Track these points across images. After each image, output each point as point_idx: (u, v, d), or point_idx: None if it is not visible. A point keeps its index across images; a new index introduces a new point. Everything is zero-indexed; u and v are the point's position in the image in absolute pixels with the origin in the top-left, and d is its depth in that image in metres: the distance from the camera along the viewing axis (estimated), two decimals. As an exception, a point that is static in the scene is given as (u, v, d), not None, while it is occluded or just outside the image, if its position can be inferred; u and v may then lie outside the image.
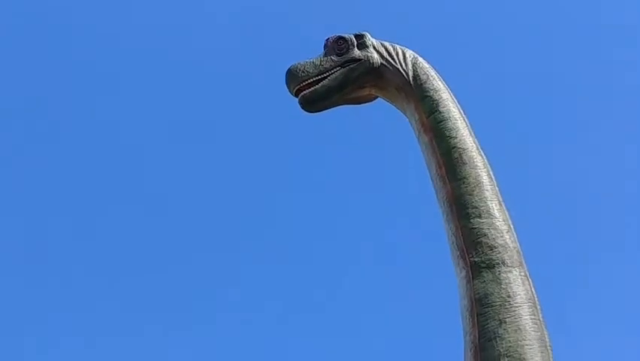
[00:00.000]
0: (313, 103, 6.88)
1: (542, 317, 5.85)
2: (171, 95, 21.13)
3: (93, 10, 21.18)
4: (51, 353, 18.71)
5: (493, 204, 6.17)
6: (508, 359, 5.56)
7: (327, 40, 7.09)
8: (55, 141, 20.78)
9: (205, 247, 20.23)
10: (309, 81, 6.85)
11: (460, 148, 6.37)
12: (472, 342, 5.73)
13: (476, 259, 5.95)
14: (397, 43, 7.05)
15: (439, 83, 6.74)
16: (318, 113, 7.09)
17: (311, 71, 6.87)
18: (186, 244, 20.15)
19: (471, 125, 6.65)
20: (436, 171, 6.40)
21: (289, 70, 6.93)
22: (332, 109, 7.15)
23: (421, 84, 6.69)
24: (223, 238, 20.36)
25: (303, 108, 6.94)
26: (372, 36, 7.03)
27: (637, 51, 20.17)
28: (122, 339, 18.70)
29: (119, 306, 19.04)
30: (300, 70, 6.89)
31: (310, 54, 7.15)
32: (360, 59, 6.86)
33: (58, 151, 20.70)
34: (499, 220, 6.10)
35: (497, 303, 5.77)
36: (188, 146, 20.95)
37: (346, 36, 6.99)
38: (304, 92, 6.85)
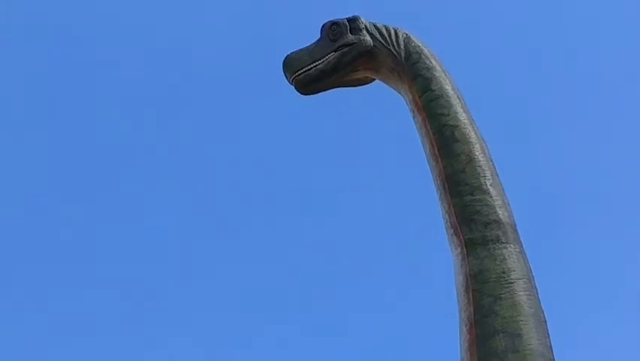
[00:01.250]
0: (307, 85, 7.01)
1: (537, 293, 5.83)
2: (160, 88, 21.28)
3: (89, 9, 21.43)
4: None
5: (486, 180, 6.14)
6: (504, 334, 5.54)
7: (322, 26, 7.18)
8: (52, 141, 21.05)
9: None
10: (304, 69, 6.98)
11: (452, 125, 6.36)
12: (467, 318, 5.73)
13: (470, 236, 5.94)
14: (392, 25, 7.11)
15: (432, 60, 6.74)
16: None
17: (305, 59, 7.01)
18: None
19: (466, 100, 6.66)
20: (430, 149, 6.41)
21: (285, 60, 7.09)
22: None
23: (414, 64, 6.70)
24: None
25: (298, 91, 7.11)
26: (365, 19, 7.10)
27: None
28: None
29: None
30: (295, 59, 7.04)
31: (309, 39, 7.31)
32: (353, 43, 6.92)
33: (54, 151, 20.97)
34: (491, 196, 6.07)
35: (492, 279, 5.75)
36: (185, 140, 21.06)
37: (339, 21, 7.06)
38: (298, 76, 6.96)
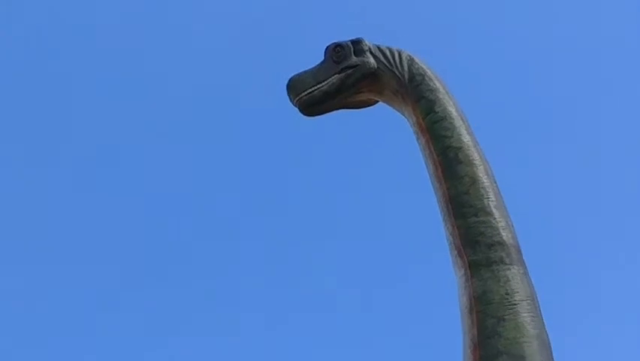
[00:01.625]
0: (310, 106, 7.05)
1: (541, 315, 5.83)
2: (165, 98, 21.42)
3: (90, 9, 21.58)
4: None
5: (490, 202, 6.15)
6: (507, 356, 5.54)
7: (326, 48, 7.23)
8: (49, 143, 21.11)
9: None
10: (308, 90, 7.02)
11: (455, 147, 6.38)
12: (471, 340, 5.72)
13: (474, 258, 5.95)
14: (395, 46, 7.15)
15: (436, 82, 6.77)
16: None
17: (309, 80, 7.05)
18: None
19: (470, 122, 6.68)
20: (434, 171, 6.42)
21: (288, 82, 7.13)
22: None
23: (417, 85, 6.74)
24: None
25: (301, 112, 7.14)
26: (369, 41, 7.14)
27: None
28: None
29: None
30: (298, 81, 7.09)
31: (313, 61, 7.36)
32: (356, 65, 6.96)
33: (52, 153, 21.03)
34: (495, 218, 6.09)
35: (496, 300, 5.76)
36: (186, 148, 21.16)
37: (343, 43, 7.11)
38: (302, 97, 7.01)
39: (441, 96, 6.67)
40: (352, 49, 7.05)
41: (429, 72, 6.83)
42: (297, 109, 7.17)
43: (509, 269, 5.90)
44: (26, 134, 20.84)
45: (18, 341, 18.57)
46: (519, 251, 6.05)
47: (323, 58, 7.18)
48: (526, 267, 6.02)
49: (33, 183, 20.54)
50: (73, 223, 20.15)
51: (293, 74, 7.21)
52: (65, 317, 19.15)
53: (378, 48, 7.04)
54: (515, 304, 5.74)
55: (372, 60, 6.95)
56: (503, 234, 6.03)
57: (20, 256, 19.77)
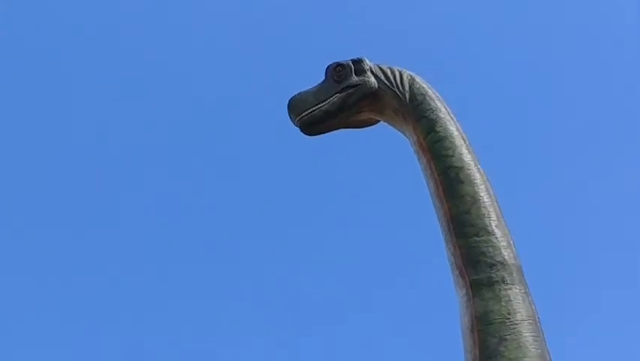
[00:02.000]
0: (311, 126, 7.07)
1: (543, 334, 5.84)
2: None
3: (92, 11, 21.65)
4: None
5: (491, 221, 6.16)
6: None
7: (327, 67, 7.24)
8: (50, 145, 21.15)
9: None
10: (309, 110, 7.04)
11: (456, 167, 6.39)
12: (472, 360, 5.74)
13: (475, 278, 5.95)
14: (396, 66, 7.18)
15: (437, 102, 6.78)
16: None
17: (310, 100, 7.07)
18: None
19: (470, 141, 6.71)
20: (435, 191, 6.43)
21: (289, 102, 7.14)
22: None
23: (418, 105, 6.75)
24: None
25: (302, 131, 7.15)
26: (370, 60, 7.17)
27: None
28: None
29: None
30: (299, 100, 7.11)
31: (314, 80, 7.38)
32: (357, 85, 6.99)
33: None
34: (497, 237, 6.10)
35: (498, 320, 5.76)
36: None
37: (344, 63, 7.13)
38: (303, 117, 7.03)
39: (442, 116, 6.68)
40: (353, 68, 7.07)
41: (430, 92, 6.85)
42: (298, 129, 7.19)
43: (511, 289, 5.91)
44: (26, 133, 20.92)
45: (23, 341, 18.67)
46: (520, 271, 6.05)
47: (324, 78, 7.20)
48: (527, 286, 6.02)
49: (32, 183, 20.61)
50: (75, 224, 20.24)
51: (294, 94, 7.22)
52: (64, 317, 19.23)
53: (379, 67, 7.06)
54: (517, 324, 5.74)
55: (373, 80, 6.98)
56: (505, 253, 6.04)
57: (22, 257, 19.85)
